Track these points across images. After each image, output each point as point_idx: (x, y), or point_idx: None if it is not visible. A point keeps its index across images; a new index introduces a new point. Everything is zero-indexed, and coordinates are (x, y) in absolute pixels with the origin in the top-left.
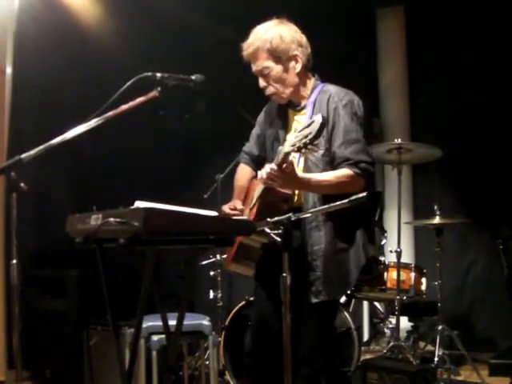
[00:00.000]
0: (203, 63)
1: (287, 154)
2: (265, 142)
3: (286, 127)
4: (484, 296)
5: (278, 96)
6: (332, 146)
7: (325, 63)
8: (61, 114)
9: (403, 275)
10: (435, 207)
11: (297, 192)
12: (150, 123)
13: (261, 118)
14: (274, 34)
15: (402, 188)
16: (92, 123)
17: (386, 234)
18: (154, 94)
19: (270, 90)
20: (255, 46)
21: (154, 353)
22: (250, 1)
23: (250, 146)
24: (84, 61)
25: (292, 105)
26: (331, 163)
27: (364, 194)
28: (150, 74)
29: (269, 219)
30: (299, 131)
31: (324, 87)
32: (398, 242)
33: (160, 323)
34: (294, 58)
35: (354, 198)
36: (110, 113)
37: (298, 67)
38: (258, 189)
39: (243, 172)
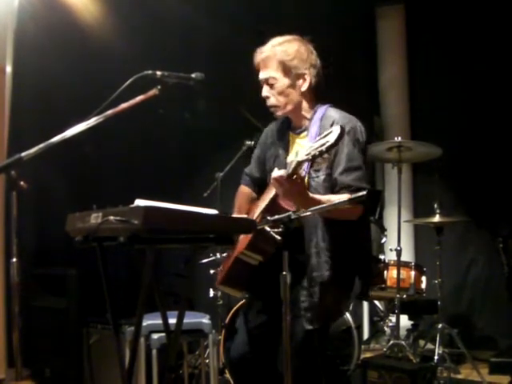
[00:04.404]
0: (203, 62)
1: (300, 163)
2: (265, 163)
3: (287, 149)
4: (484, 294)
5: (278, 109)
6: (334, 172)
7: (325, 63)
8: (61, 113)
9: (403, 274)
10: (435, 206)
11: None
12: (149, 122)
13: (262, 139)
14: (291, 46)
15: (402, 186)
16: (92, 121)
17: (386, 233)
18: (153, 92)
19: (271, 101)
20: (268, 54)
21: (154, 351)
22: (250, 1)
23: (251, 168)
24: (84, 60)
25: (293, 127)
26: (331, 189)
27: (364, 192)
28: (149, 72)
29: (269, 217)
30: (315, 141)
31: (327, 112)
32: (398, 240)
33: (160, 321)
34: (303, 76)
35: (353, 196)
36: (110, 111)
37: (305, 86)
38: (261, 205)
39: (243, 193)
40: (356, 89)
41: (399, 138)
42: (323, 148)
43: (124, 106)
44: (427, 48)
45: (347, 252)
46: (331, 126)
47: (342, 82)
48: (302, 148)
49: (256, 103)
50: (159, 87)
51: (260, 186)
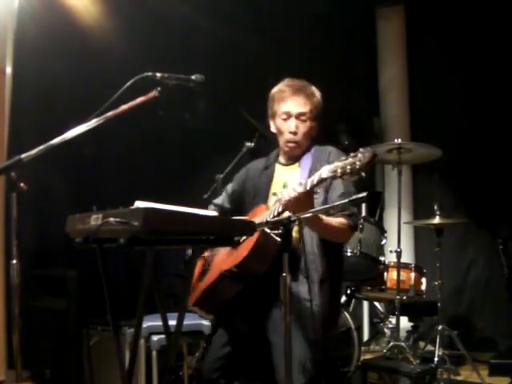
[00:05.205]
0: (203, 63)
1: (323, 180)
2: (240, 197)
3: (271, 180)
4: (484, 296)
5: (296, 149)
6: (331, 196)
7: (325, 63)
8: (61, 113)
9: (403, 275)
10: (435, 207)
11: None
12: (149, 123)
13: (240, 175)
14: (319, 95)
15: (402, 188)
16: (92, 123)
17: (386, 234)
18: (153, 93)
19: (296, 138)
20: (312, 92)
21: (154, 353)
22: (250, 1)
23: (223, 200)
24: (84, 61)
25: (280, 160)
26: (327, 212)
27: (364, 193)
28: (149, 74)
29: (268, 219)
30: (342, 160)
31: (320, 147)
32: (398, 241)
33: (160, 323)
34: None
35: (354, 197)
36: (110, 113)
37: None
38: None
39: None
40: (356, 90)
41: (399, 140)
42: (356, 166)
43: (124, 107)
44: (427, 49)
45: (335, 259)
46: (329, 155)
47: (341, 82)
48: (291, 179)
49: (256, 104)
50: (159, 89)
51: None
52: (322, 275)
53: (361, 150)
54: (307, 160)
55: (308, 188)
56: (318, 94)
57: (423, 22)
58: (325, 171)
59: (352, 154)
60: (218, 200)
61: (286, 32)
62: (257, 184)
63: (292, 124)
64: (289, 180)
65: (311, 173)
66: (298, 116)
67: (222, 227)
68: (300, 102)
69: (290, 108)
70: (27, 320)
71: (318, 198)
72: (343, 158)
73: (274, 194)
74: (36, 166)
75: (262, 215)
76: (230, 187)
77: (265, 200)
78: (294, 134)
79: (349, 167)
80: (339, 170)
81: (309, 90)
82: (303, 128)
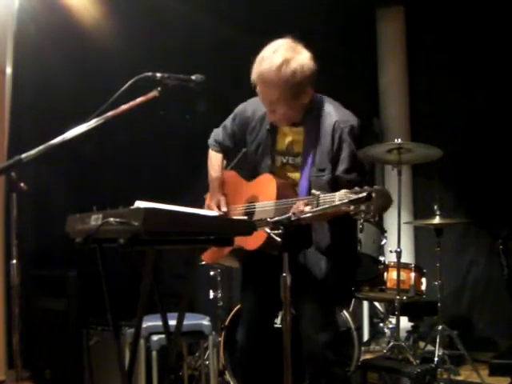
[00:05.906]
0: (203, 63)
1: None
2: (240, 141)
3: (275, 138)
4: (484, 296)
5: (287, 124)
6: (337, 169)
7: (325, 63)
8: (61, 113)
9: (403, 275)
10: (435, 207)
11: None
12: (150, 123)
13: (241, 115)
14: (293, 67)
15: (402, 188)
16: (92, 123)
17: (386, 234)
18: (153, 93)
19: (278, 123)
20: (273, 79)
21: (154, 353)
22: (251, 1)
23: (223, 137)
24: (84, 61)
25: None
26: (334, 185)
27: (364, 194)
28: (150, 74)
29: (269, 219)
30: (355, 192)
31: (324, 107)
32: (397, 242)
33: (160, 323)
34: (307, 90)
35: (354, 198)
36: (110, 113)
37: (307, 98)
38: (259, 206)
39: (217, 161)
40: (356, 90)
41: (399, 140)
42: (369, 212)
43: (124, 107)
44: (427, 50)
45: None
46: (333, 126)
47: (342, 83)
48: (295, 139)
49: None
50: (159, 89)
51: (228, 155)
52: (328, 243)
53: (376, 187)
54: (312, 126)
55: (315, 208)
56: (288, 69)
57: (423, 22)
58: (337, 199)
59: (367, 189)
60: (219, 137)
61: (286, 32)
62: (260, 138)
63: (269, 113)
64: (294, 141)
65: (315, 158)
66: (269, 106)
67: (221, 227)
68: (266, 93)
69: (261, 99)
70: (27, 320)
71: (325, 175)
72: (357, 188)
73: (280, 153)
74: (36, 166)
75: (267, 192)
76: (229, 125)
77: (270, 161)
78: (275, 120)
79: (362, 210)
80: (352, 209)
81: (274, 73)
82: (279, 115)
